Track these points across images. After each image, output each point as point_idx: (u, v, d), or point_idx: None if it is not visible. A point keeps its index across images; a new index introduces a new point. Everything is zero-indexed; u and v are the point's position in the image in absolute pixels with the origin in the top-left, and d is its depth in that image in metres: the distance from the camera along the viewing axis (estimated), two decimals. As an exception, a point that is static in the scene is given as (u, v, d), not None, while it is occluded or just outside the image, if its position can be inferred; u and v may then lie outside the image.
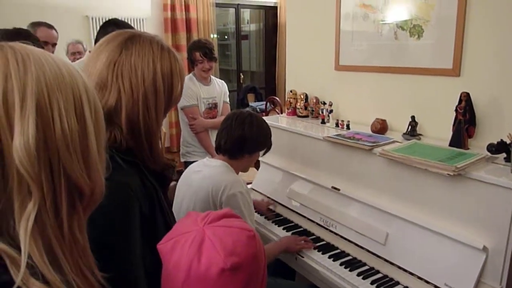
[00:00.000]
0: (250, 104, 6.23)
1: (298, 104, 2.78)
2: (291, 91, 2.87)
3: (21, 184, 0.54)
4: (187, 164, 3.26)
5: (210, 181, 1.79)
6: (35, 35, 2.45)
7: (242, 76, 6.70)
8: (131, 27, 2.27)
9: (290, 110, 2.83)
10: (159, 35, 4.62)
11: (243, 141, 1.88)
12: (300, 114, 2.77)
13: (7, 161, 0.54)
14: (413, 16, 2.18)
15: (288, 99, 2.85)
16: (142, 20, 5.16)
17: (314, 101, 2.71)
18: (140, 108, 1.00)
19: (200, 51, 3.19)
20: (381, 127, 2.27)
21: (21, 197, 0.54)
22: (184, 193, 1.87)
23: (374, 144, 2.04)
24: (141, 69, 1.00)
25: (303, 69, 2.88)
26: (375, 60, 2.41)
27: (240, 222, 0.98)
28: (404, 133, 2.18)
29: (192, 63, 3.27)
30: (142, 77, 1.00)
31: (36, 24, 2.98)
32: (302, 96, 2.77)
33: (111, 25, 2.25)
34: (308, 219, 2.29)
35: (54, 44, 3.00)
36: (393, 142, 2.10)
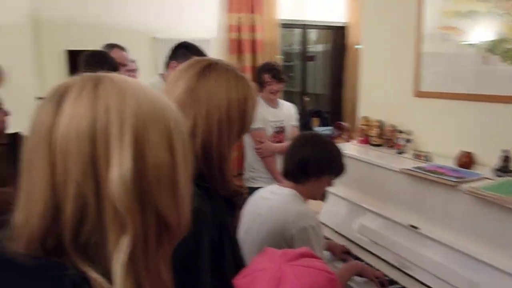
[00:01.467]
0: (315, 128, 6.13)
1: (372, 131, 2.66)
2: (363, 118, 2.77)
3: (115, 217, 0.55)
4: (251, 190, 3.22)
5: (279, 212, 1.76)
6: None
7: (307, 99, 6.63)
8: (199, 50, 2.34)
9: (362, 138, 2.72)
10: (224, 56, 4.71)
11: (305, 162, 1.82)
12: (374, 143, 2.65)
13: (103, 193, 0.55)
14: (507, 39, 2.02)
15: (360, 126, 2.75)
16: (208, 41, 5.24)
17: (390, 129, 2.59)
18: (214, 134, 1.06)
19: (269, 72, 3.21)
20: (467, 161, 2.11)
21: (115, 230, 0.56)
22: (250, 222, 1.85)
23: (460, 180, 1.90)
24: (217, 97, 1.07)
25: (377, 94, 2.79)
26: (460, 86, 2.27)
27: (321, 264, 0.96)
28: (495, 169, 2.01)
29: (260, 85, 3.27)
30: (218, 104, 1.06)
31: (110, 46, 3.14)
32: (376, 124, 2.65)
33: (181, 48, 2.33)
34: (380, 258, 2.17)
35: (124, 65, 3.14)
36: (482, 178, 1.94)
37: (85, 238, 0.56)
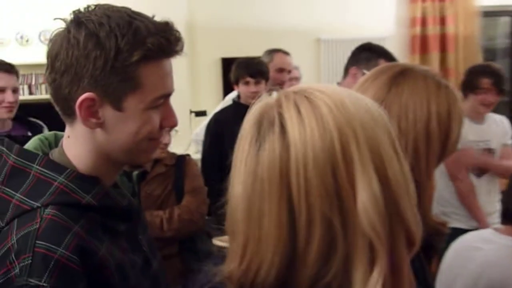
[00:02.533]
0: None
1: None
2: None
3: (364, 248, 0.54)
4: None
5: (498, 271, 1.53)
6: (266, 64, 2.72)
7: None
8: (387, 52, 2.17)
9: None
10: (404, 57, 3.77)
11: None
12: None
13: (350, 224, 0.54)
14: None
15: None
16: (383, 40, 4.58)
17: None
18: (409, 156, 0.97)
19: (490, 77, 2.65)
20: None
21: (364, 262, 0.54)
22: (452, 276, 1.64)
23: None
24: (412, 110, 1.00)
25: None
26: None
27: None
28: None
29: (465, 92, 2.70)
30: (414, 119, 0.99)
31: (273, 51, 3.03)
32: None
33: (364, 51, 2.18)
34: None
35: (289, 71, 3.03)
36: None
37: (326, 283, 0.55)
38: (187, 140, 3.61)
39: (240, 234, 0.57)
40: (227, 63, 3.95)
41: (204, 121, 3.07)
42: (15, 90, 2.27)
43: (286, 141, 0.55)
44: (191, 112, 4.03)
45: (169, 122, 0.86)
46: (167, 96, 0.85)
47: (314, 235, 0.54)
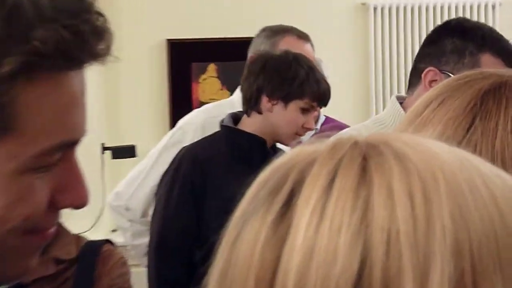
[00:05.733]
0: None
1: None
2: None
3: None
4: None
5: None
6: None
7: None
8: (497, 37, 1.62)
9: None
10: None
11: None
12: None
13: None
14: None
15: None
16: (493, 6, 4.10)
17: None
18: None
19: None
20: None
21: None
22: None
23: None
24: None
25: None
26: None
27: None
28: None
29: None
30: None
31: (278, 31, 2.35)
32: None
33: (450, 35, 1.60)
34: None
35: None
36: None
37: None
38: (97, 204, 2.49)
39: None
40: (179, 52, 3.37)
41: (140, 163, 2.20)
42: None
43: (287, 233, 0.37)
44: (104, 148, 2.85)
45: (70, 198, 0.58)
46: (69, 145, 0.57)
47: None
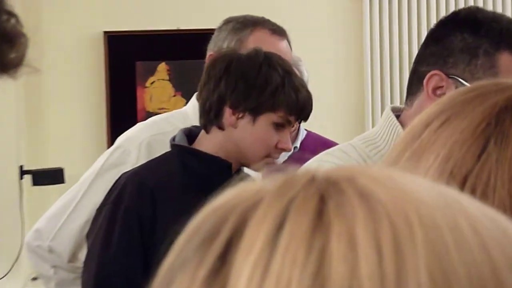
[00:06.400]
0: None
1: None
2: None
3: None
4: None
5: None
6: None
7: None
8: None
9: None
10: None
11: None
12: None
13: None
14: None
15: None
16: None
17: None
18: None
19: None
20: None
21: None
22: None
23: None
24: None
25: None
26: None
27: None
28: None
29: None
30: None
31: (249, 23, 2.27)
32: None
33: (460, 30, 1.56)
34: None
35: None
36: None
37: None
38: (14, 244, 2.35)
39: None
40: (120, 48, 3.23)
41: (68, 191, 2.01)
42: None
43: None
44: (23, 172, 2.74)
45: None
46: None
47: None
